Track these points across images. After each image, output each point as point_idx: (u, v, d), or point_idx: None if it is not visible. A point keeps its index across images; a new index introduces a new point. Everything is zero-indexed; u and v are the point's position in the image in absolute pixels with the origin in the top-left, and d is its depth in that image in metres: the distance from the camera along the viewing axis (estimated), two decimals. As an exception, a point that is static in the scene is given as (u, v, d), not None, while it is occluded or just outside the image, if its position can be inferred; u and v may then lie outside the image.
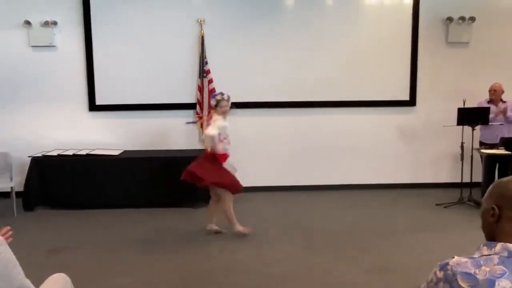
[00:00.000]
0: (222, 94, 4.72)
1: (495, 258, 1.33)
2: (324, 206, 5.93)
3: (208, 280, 3.77)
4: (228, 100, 4.70)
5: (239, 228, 4.76)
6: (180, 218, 5.48)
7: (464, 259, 1.36)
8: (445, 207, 5.74)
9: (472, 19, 6.41)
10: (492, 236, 1.42)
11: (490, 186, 1.49)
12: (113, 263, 4.13)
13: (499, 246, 1.35)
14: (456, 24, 6.45)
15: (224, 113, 4.70)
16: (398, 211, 5.67)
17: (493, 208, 1.41)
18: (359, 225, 5.13)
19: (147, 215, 5.57)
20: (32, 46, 6.34)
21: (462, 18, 6.41)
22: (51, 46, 6.34)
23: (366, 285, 3.63)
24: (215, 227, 4.89)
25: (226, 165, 4.72)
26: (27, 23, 6.23)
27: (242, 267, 4.03)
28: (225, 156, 4.71)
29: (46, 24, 6.24)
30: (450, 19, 6.44)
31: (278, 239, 4.72)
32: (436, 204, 5.83)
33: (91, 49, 6.36)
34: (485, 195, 1.48)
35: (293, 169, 6.63)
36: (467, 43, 6.54)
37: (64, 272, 2.38)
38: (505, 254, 1.33)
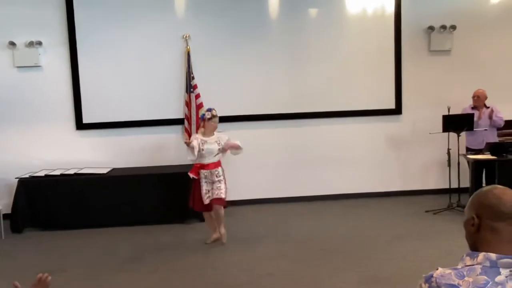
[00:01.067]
0: (213, 110, 4.94)
1: (478, 268, 1.35)
2: (314, 217, 5.94)
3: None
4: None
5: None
6: (171, 234, 5.44)
7: (448, 270, 1.38)
8: (434, 214, 5.78)
9: (453, 27, 6.54)
10: (474, 246, 1.44)
11: (471, 196, 1.51)
12: (104, 285, 4.08)
13: (481, 256, 1.37)
14: (438, 32, 6.57)
15: (213, 128, 4.91)
16: (388, 219, 5.70)
17: (473, 218, 1.43)
18: (350, 235, 5.14)
19: (138, 233, 5.53)
20: (17, 67, 6.31)
21: (443, 27, 6.53)
22: (36, 66, 6.32)
23: (359, 296, 3.64)
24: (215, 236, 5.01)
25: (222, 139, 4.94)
26: (12, 43, 6.21)
27: (235, 281, 4.02)
28: (196, 167, 4.92)
29: (31, 44, 6.23)
30: (431, 28, 6.56)
31: (270, 252, 4.71)
32: (426, 211, 5.88)
33: (77, 67, 6.35)
34: (467, 204, 1.51)
35: (282, 180, 6.64)
36: (449, 50, 6.66)
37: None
38: (487, 264, 1.35)
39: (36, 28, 6.27)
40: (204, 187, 4.83)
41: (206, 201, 4.82)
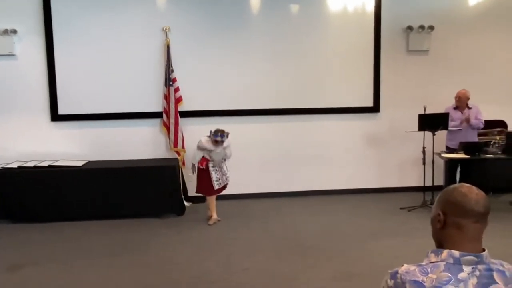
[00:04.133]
0: (221, 136, 5.41)
1: (441, 265, 1.37)
2: (291, 212, 5.97)
3: (174, 292, 3.73)
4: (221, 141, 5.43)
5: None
6: (146, 229, 5.39)
7: (412, 267, 1.40)
8: (408, 211, 5.88)
9: (431, 27, 6.63)
10: (440, 243, 1.47)
11: (439, 193, 1.54)
12: (76, 279, 4.02)
13: (445, 253, 1.40)
14: (416, 32, 6.66)
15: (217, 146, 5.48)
16: (363, 216, 5.77)
17: (439, 214, 1.46)
18: (326, 231, 5.19)
19: (112, 227, 5.46)
20: (-9, 55, 6.14)
21: (422, 27, 6.62)
22: (10, 55, 6.16)
23: (332, 291, 3.67)
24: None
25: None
26: (-15, 31, 6.04)
27: (209, 277, 4.01)
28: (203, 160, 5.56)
29: (5, 32, 6.06)
30: (410, 28, 6.65)
31: (246, 247, 4.72)
32: (400, 208, 5.97)
33: (52, 57, 6.21)
34: (435, 201, 1.53)
35: (258, 177, 6.65)
36: (427, 51, 6.75)
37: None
38: (451, 260, 1.38)
39: (11, 16, 6.10)
40: (214, 174, 5.52)
41: (216, 187, 5.54)
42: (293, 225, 5.44)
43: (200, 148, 5.49)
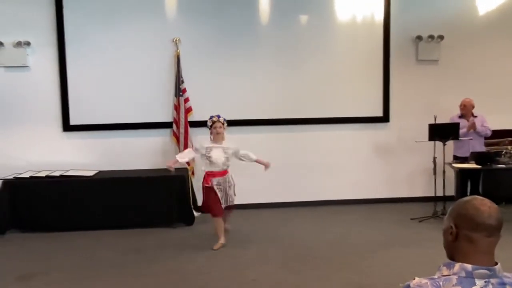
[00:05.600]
0: (218, 116, 4.99)
1: (454, 279, 1.36)
2: (301, 222, 5.94)
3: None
4: (223, 123, 5.00)
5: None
6: (157, 238, 5.40)
7: (424, 280, 1.39)
8: (419, 222, 5.82)
9: (441, 37, 6.62)
10: (451, 255, 1.46)
11: (452, 205, 1.53)
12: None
13: (457, 266, 1.39)
14: (426, 42, 6.65)
15: (217, 135, 4.96)
16: (373, 226, 5.72)
17: (451, 227, 1.45)
18: (335, 241, 5.15)
19: (122, 236, 5.48)
20: (5, 67, 6.25)
21: (431, 37, 6.61)
22: (24, 67, 6.26)
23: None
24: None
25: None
26: (-1, 43, 6.16)
27: (217, 287, 4.00)
28: (208, 176, 4.99)
29: (18, 44, 6.17)
30: (419, 37, 6.64)
31: (255, 257, 4.71)
32: (411, 219, 5.92)
33: (65, 69, 6.30)
34: (447, 213, 1.52)
35: (268, 186, 6.63)
36: (437, 60, 6.74)
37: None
38: (463, 274, 1.37)
39: (24, 28, 6.22)
40: (218, 194, 4.95)
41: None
42: (302, 235, 5.41)
43: (196, 147, 5.15)
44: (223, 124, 4.99)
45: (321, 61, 6.61)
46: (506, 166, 5.77)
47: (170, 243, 5.22)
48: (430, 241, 5.03)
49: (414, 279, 1.42)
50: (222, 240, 5.02)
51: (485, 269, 1.36)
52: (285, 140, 6.66)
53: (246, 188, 6.55)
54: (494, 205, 1.43)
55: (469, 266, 1.37)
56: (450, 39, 6.65)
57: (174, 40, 6.37)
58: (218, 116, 5.01)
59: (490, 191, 6.10)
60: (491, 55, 6.80)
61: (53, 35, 6.27)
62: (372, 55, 6.66)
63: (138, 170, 6.25)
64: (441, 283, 1.36)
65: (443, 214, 5.87)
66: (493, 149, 6.17)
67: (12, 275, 4.35)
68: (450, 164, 5.99)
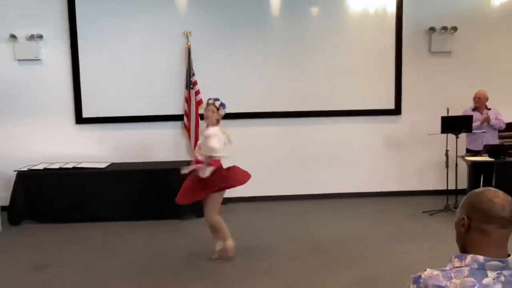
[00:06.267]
0: (215, 99, 4.40)
1: (466, 270, 1.36)
2: (311, 216, 5.94)
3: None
4: (217, 107, 4.39)
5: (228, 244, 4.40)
6: (168, 230, 5.45)
7: (436, 272, 1.39)
8: (431, 215, 5.79)
9: (454, 28, 6.53)
10: (463, 247, 1.45)
11: (464, 197, 1.52)
12: (97, 280, 4.09)
13: (469, 258, 1.38)
14: (439, 34, 6.56)
15: (206, 119, 4.42)
16: (384, 219, 5.71)
17: (463, 219, 1.44)
18: (346, 235, 5.15)
19: (134, 228, 5.54)
20: (18, 60, 6.32)
21: (444, 28, 6.52)
22: (36, 60, 6.33)
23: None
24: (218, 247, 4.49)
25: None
26: (13, 36, 6.21)
27: (227, 278, 4.03)
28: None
29: (31, 37, 6.23)
30: (432, 29, 6.55)
31: (265, 250, 4.72)
32: (423, 212, 5.88)
33: (77, 61, 6.35)
34: (459, 205, 1.52)
35: (279, 179, 6.64)
36: (450, 52, 6.65)
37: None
38: (475, 266, 1.36)
39: (37, 21, 6.27)
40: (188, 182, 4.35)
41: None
42: (313, 228, 5.42)
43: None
44: (217, 109, 4.33)
45: (332, 53, 6.56)
46: (520, 159, 5.70)
47: (182, 235, 5.27)
48: (441, 234, 5.01)
49: (425, 270, 1.42)
50: (218, 246, 4.47)
51: (498, 261, 1.35)
52: (295, 133, 6.65)
53: (257, 180, 6.57)
54: (508, 197, 1.42)
55: (481, 258, 1.36)
56: (464, 31, 6.55)
57: (185, 32, 6.38)
58: (216, 100, 4.38)
59: (503, 184, 6.00)
60: (506, 46, 6.69)
61: (66, 28, 6.31)
62: (384, 47, 6.59)
63: (150, 163, 6.30)
64: (452, 274, 1.36)
65: (455, 207, 5.83)
66: (507, 141, 6.09)
67: (28, 265, 4.43)
68: (462, 157, 5.93)
